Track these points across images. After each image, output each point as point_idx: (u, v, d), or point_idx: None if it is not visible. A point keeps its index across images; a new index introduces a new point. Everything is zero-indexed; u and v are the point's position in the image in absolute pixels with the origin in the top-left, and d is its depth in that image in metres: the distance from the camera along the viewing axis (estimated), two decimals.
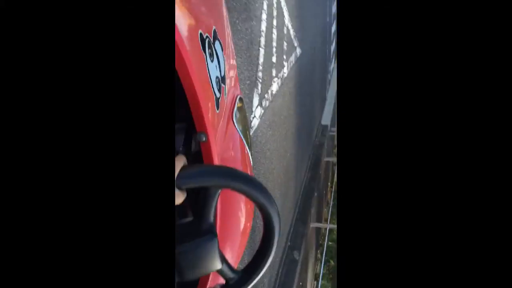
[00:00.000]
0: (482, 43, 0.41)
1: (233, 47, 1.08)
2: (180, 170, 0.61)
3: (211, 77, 0.75)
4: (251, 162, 1.10)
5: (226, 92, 0.90)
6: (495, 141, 0.41)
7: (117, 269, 0.38)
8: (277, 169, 4.30)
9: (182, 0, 0.65)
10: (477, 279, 0.41)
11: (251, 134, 3.19)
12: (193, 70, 0.61)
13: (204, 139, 0.71)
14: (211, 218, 0.65)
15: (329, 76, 10.02)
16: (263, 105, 3.67)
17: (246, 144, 1.04)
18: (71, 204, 0.38)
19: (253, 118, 3.36)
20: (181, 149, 0.73)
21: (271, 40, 3.98)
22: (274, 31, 4.08)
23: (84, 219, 0.38)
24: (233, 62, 1.05)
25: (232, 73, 1.00)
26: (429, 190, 0.43)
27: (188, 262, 0.62)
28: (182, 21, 0.63)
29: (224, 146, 0.87)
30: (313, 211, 6.69)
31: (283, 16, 4.56)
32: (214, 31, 0.82)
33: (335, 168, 10.15)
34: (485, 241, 0.41)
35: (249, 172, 1.04)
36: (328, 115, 8.77)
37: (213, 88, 0.76)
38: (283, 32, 4.60)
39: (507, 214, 0.40)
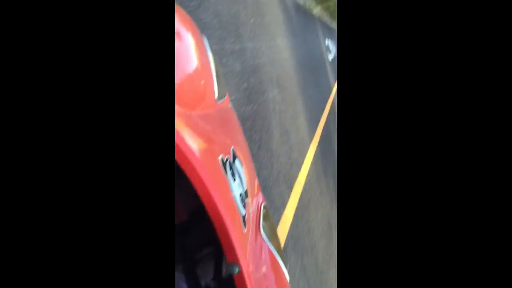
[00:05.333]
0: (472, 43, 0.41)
1: (250, 157, 1.08)
2: None
3: (235, 197, 0.75)
4: (287, 276, 1.04)
5: (251, 205, 0.89)
6: (495, 142, 0.41)
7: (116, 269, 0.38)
8: None
9: (199, 129, 0.68)
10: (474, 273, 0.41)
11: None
12: (218, 198, 0.61)
13: (237, 270, 0.66)
14: None
15: None
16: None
17: (278, 256, 0.99)
18: (70, 204, 0.38)
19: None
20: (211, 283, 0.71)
21: None
22: None
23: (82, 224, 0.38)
24: (252, 172, 1.05)
25: (253, 184, 0.99)
26: (429, 187, 0.43)
27: None
28: (203, 150, 0.65)
29: (255, 264, 0.84)
30: None
31: None
32: (233, 150, 0.84)
33: None
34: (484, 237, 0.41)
35: None
36: None
37: (238, 207, 0.75)
38: None
39: (507, 215, 0.40)
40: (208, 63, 0.95)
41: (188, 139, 0.60)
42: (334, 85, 9.70)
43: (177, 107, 0.64)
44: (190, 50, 0.87)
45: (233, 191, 0.74)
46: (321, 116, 6.22)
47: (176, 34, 0.79)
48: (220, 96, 0.97)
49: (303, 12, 8.51)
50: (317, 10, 10.14)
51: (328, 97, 7.88)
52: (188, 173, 0.56)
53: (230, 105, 1.10)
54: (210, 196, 0.59)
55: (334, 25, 17.34)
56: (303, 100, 5.34)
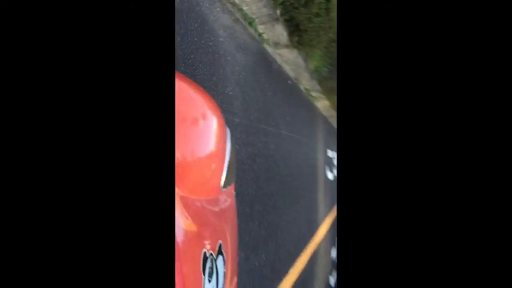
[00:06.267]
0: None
1: (236, 254, 1.02)
2: None
3: None
4: None
5: None
6: (494, 142, 0.42)
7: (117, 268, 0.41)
8: None
9: (194, 217, 0.72)
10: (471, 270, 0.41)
11: None
12: None
13: None
14: None
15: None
16: None
17: None
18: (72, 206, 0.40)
19: None
20: None
21: None
22: None
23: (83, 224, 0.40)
24: (233, 272, 0.97)
25: (231, 285, 0.94)
26: (428, 192, 0.43)
27: None
28: (190, 240, 0.67)
29: None
30: None
31: None
32: (219, 245, 0.83)
33: None
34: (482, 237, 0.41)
35: None
36: None
37: None
38: None
39: (506, 215, 0.40)
40: (225, 150, 0.96)
41: (180, 223, 0.63)
42: (322, 224, 5.94)
43: (178, 190, 0.68)
44: (211, 133, 0.90)
45: None
46: None
47: (202, 115, 0.86)
48: (226, 184, 0.98)
49: (303, 100, 5.30)
50: (322, 105, 7.05)
51: (300, 252, 4.10)
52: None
53: (233, 194, 1.10)
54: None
55: None
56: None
